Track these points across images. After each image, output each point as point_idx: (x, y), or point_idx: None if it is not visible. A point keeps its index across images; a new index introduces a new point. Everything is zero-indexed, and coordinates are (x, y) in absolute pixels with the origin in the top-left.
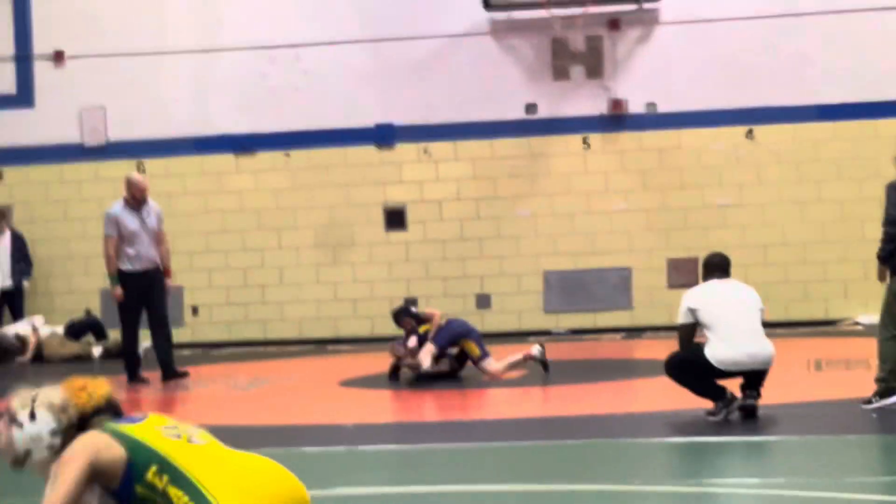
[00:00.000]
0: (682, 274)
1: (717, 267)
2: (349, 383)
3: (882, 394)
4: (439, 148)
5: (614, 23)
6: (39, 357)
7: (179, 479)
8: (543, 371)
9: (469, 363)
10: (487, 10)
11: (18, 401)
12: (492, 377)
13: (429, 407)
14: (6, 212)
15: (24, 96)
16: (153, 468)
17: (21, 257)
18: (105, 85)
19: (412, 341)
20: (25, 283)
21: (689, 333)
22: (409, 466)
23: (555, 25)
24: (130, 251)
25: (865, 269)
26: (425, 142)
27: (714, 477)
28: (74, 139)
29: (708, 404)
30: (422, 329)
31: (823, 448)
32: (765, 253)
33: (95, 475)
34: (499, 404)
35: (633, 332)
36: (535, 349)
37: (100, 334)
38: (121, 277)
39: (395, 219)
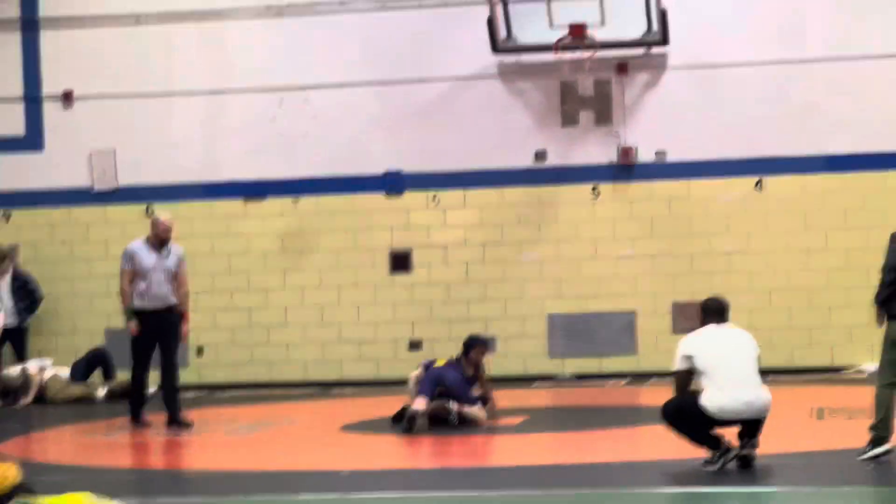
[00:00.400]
0: (688, 319)
1: (715, 312)
2: (351, 428)
3: (874, 443)
4: (448, 195)
5: (622, 67)
6: (42, 399)
7: None
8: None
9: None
10: (496, 53)
11: None
12: (476, 423)
13: (428, 453)
14: (11, 252)
15: (32, 139)
16: None
17: (25, 296)
18: (114, 128)
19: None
20: (28, 322)
21: (686, 380)
22: None
23: (563, 69)
24: (141, 287)
25: (871, 315)
26: (434, 189)
27: None
28: (84, 183)
29: (704, 453)
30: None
31: (818, 500)
32: (770, 298)
33: None
34: (499, 451)
35: (638, 377)
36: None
37: (108, 371)
38: (134, 314)
39: (401, 262)
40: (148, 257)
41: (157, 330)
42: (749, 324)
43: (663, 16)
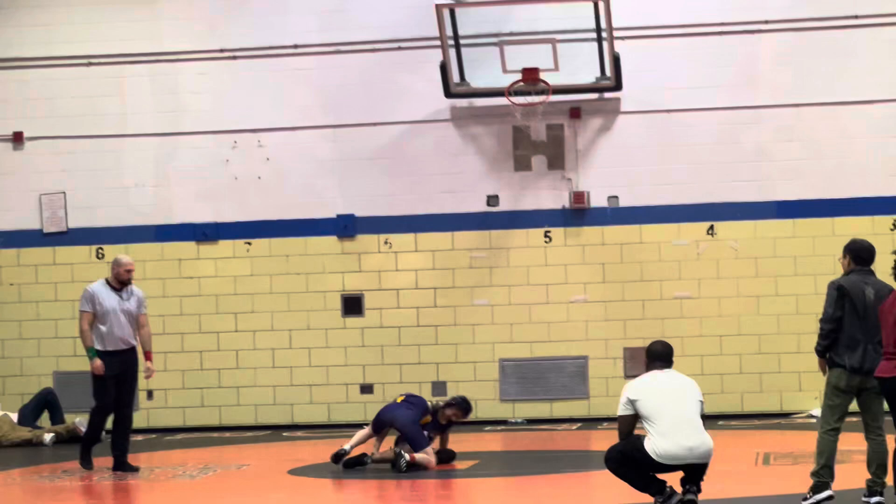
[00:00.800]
0: (639, 364)
1: (659, 356)
2: (299, 472)
3: (816, 489)
4: (400, 239)
5: (575, 112)
6: None
7: None
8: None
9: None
10: (448, 97)
11: None
12: (426, 468)
13: (375, 497)
14: None
15: None
16: None
17: None
18: (65, 169)
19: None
20: None
21: (630, 425)
22: None
23: (516, 113)
24: (103, 329)
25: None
26: (386, 233)
27: None
28: (33, 225)
29: (649, 499)
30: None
31: None
32: (721, 344)
33: None
34: (449, 495)
35: (590, 421)
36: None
37: (56, 414)
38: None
39: (353, 305)
40: (109, 299)
41: (118, 371)
42: (700, 369)
43: (616, 61)
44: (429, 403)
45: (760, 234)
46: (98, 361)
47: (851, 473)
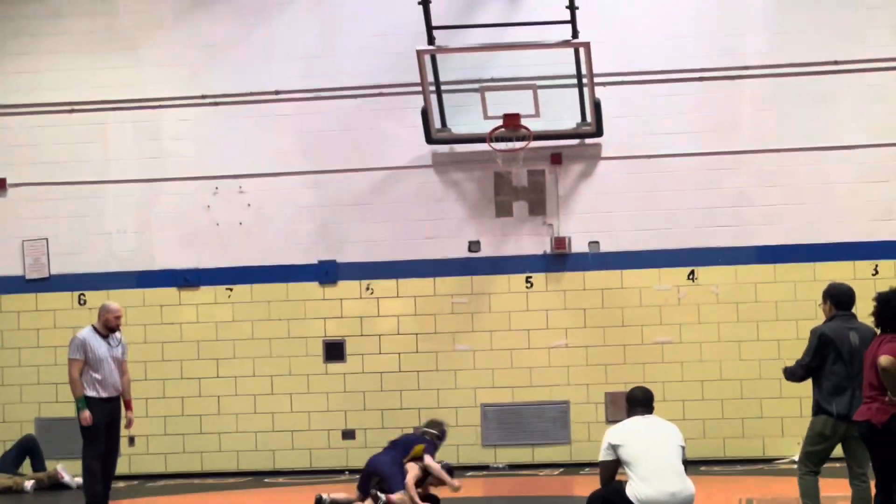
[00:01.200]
0: (620, 409)
1: (640, 402)
2: None
3: None
4: (382, 285)
5: (556, 157)
6: None
7: None
8: None
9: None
10: (430, 143)
11: None
12: None
13: None
14: None
15: None
16: None
17: None
18: (48, 215)
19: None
20: None
21: (611, 471)
22: None
23: (497, 159)
24: (97, 376)
25: (802, 406)
26: (368, 279)
27: None
28: (16, 271)
29: None
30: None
31: None
32: (702, 389)
33: None
34: None
35: (572, 467)
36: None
37: (38, 461)
38: (87, 403)
39: (335, 351)
40: (99, 346)
41: (109, 418)
42: (682, 414)
43: (597, 107)
44: (422, 434)
45: (741, 279)
46: (87, 413)
47: None
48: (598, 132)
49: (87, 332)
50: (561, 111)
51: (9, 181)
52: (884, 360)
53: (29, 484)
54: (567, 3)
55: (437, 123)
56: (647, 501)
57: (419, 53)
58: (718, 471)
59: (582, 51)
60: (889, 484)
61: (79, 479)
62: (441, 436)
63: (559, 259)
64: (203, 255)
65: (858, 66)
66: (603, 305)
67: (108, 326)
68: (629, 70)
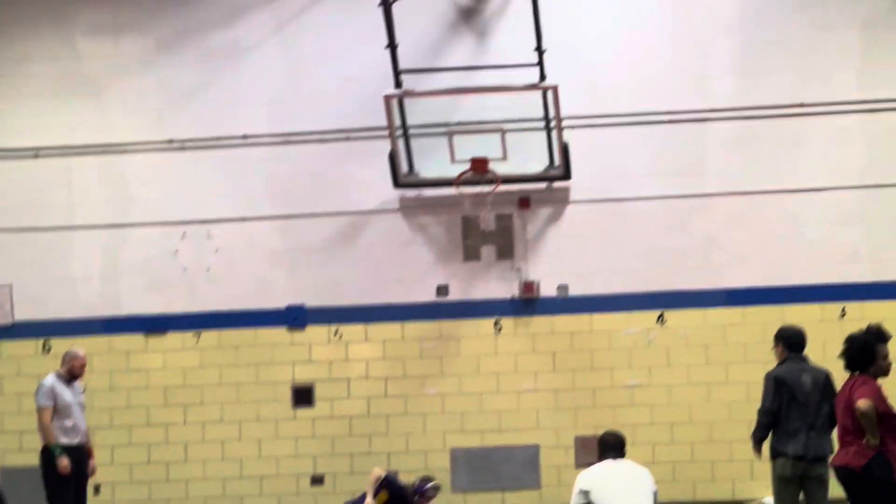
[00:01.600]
0: (591, 452)
1: (612, 447)
2: None
3: None
4: (350, 329)
5: (524, 201)
6: None
7: None
8: None
9: None
10: (397, 187)
11: None
12: None
13: None
14: None
15: None
16: None
17: None
18: (12, 262)
19: None
20: None
21: None
22: None
23: (465, 203)
24: (68, 423)
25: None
26: (336, 324)
27: None
28: None
29: None
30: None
31: None
32: (672, 432)
33: None
34: None
35: None
36: None
37: None
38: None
39: (303, 396)
40: (65, 392)
41: (77, 465)
42: (651, 457)
43: (565, 150)
44: (393, 480)
45: (710, 321)
46: (66, 460)
47: None
48: (567, 175)
49: (52, 379)
50: (529, 155)
51: None
52: (862, 403)
53: None
54: (535, 46)
55: (404, 168)
56: None
57: (386, 98)
58: None
59: (550, 94)
60: None
61: None
62: (418, 489)
63: (528, 303)
64: (170, 300)
65: (825, 109)
66: (572, 349)
67: (72, 373)
68: (597, 112)
